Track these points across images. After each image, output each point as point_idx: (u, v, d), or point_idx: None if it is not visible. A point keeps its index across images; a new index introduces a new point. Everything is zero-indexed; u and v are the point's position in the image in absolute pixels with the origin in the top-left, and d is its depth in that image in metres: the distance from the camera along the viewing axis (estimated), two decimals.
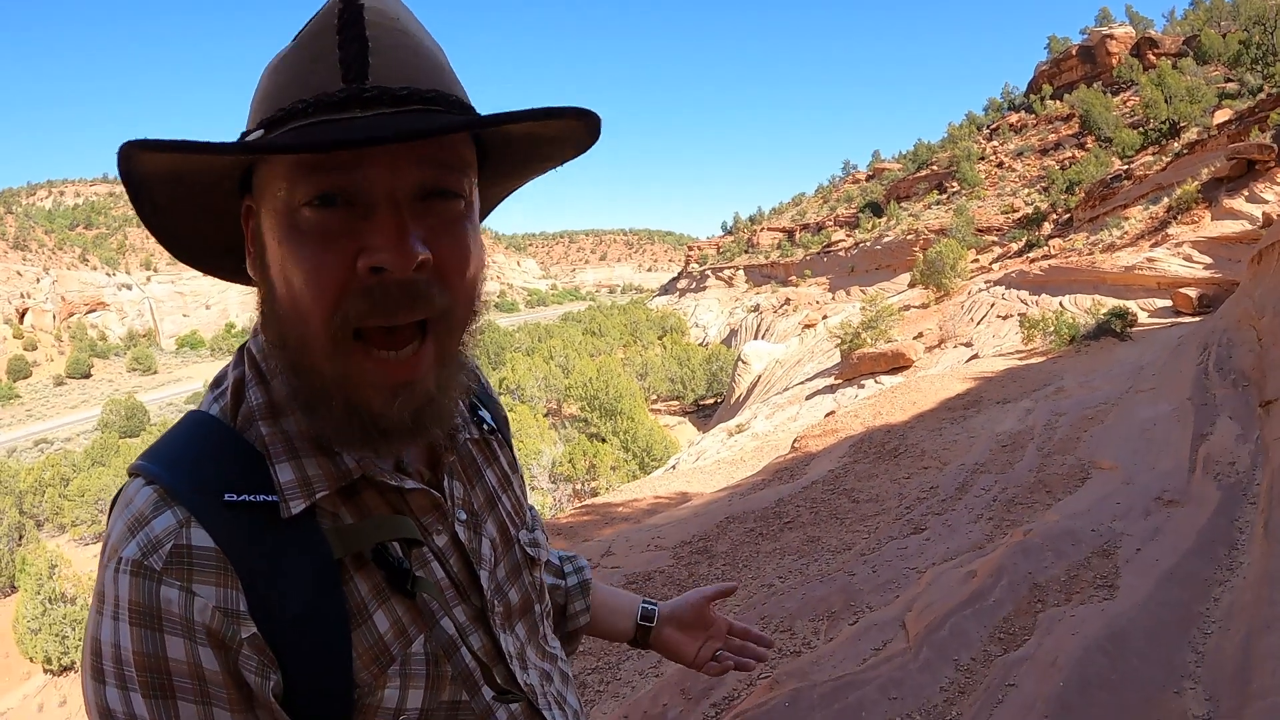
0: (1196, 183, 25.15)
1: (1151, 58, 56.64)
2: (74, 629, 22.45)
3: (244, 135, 0.74)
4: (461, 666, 0.84)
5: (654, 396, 49.42)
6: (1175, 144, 36.26)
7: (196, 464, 0.75)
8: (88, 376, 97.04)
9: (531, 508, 1.12)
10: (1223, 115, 34.55)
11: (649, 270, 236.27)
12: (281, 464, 0.77)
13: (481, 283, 0.80)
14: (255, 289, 0.80)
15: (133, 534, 0.70)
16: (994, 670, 3.72)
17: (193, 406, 0.87)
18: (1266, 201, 21.12)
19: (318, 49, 0.71)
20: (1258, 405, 6.21)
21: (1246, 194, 22.35)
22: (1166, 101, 41.04)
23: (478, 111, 0.77)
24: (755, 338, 50.22)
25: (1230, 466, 5.49)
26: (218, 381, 0.84)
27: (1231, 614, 3.81)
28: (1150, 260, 21.04)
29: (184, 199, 0.77)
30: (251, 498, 0.74)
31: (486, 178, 0.85)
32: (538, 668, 0.98)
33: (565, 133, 0.79)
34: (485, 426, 1.02)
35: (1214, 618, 3.84)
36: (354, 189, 0.70)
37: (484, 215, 0.92)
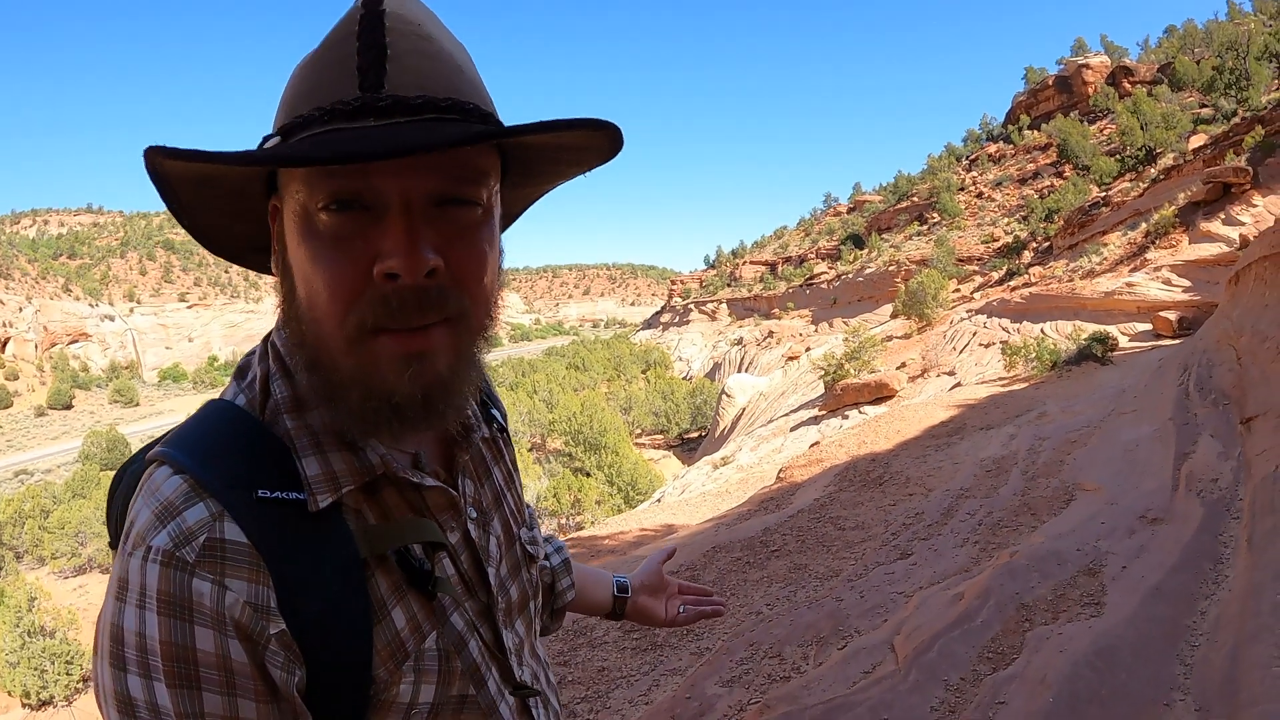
0: (1174, 207, 25.55)
1: (1127, 86, 57.62)
2: (53, 663, 22.00)
3: (263, 141, 0.75)
4: (470, 661, 0.86)
5: (638, 430, 49.33)
6: (1152, 170, 36.85)
7: (227, 457, 0.75)
8: (69, 408, 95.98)
9: (529, 506, 1.15)
10: (1198, 140, 35.13)
11: (632, 304, 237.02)
12: (308, 458, 0.78)
13: (499, 289, 0.81)
14: (279, 284, 0.80)
15: (162, 523, 0.70)
16: (983, 689, 3.72)
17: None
18: (1243, 224, 21.47)
19: (338, 55, 0.72)
20: (1239, 422, 6.27)
21: (1223, 217, 22.73)
22: (1142, 128, 41.68)
23: (498, 116, 0.78)
24: (739, 371, 50.27)
25: (1213, 483, 5.53)
26: (242, 372, 0.85)
27: (1218, 626, 3.82)
28: (1129, 285, 21.28)
29: (213, 199, 0.78)
30: (283, 495, 0.75)
31: (512, 183, 0.87)
32: (530, 668, 1.00)
33: (587, 142, 0.80)
34: (495, 425, 1.05)
35: (1201, 630, 3.85)
36: (368, 193, 0.70)
37: (514, 218, 0.97)
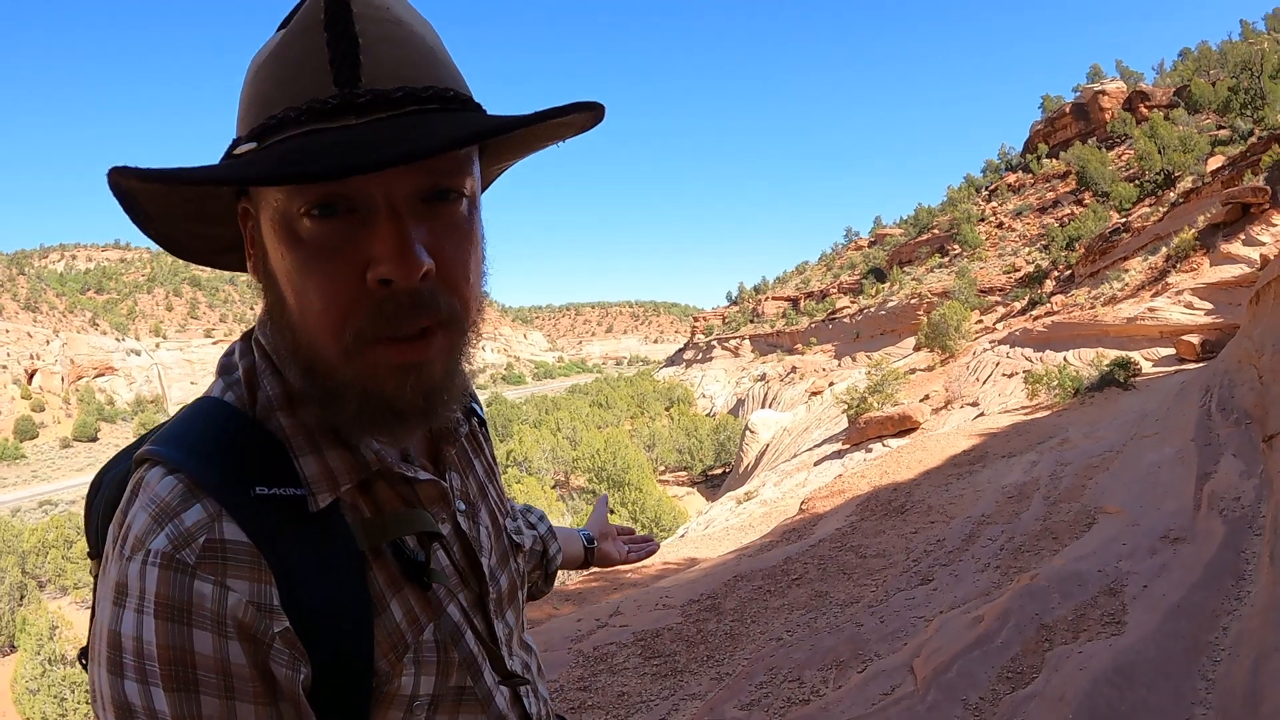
0: (1194, 230, 25.33)
1: (1144, 110, 57.58)
2: (73, 691, 22.17)
3: (234, 144, 0.72)
4: (466, 652, 0.86)
5: (662, 467, 49.27)
6: (1171, 194, 36.68)
7: (222, 454, 0.74)
8: (94, 440, 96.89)
9: (511, 499, 1.16)
10: (1216, 162, 34.94)
11: (655, 341, 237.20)
12: (305, 457, 0.77)
13: (484, 284, 0.80)
14: (260, 289, 0.79)
15: (160, 525, 0.68)
16: (1002, 708, 3.70)
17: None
18: (1263, 243, 21.22)
19: (304, 48, 0.69)
20: (1260, 441, 6.21)
21: (1243, 237, 22.50)
22: (1160, 152, 41.59)
23: (475, 99, 0.76)
24: (762, 406, 50.14)
25: (1235, 501, 5.49)
26: (226, 369, 0.83)
27: (1240, 641, 3.78)
28: (1151, 310, 21.13)
29: (178, 206, 0.76)
30: (281, 491, 0.74)
31: (486, 160, 0.85)
32: (520, 657, 1.01)
33: (567, 119, 0.76)
34: (476, 419, 1.05)
35: (1223, 646, 3.82)
36: (353, 195, 0.68)
37: (485, 187, 0.90)
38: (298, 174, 0.63)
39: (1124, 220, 37.94)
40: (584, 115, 0.75)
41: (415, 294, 0.70)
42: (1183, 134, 42.59)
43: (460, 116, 0.71)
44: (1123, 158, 53.86)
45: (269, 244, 0.73)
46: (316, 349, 0.72)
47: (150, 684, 0.65)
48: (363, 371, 0.72)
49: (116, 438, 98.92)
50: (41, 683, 22.37)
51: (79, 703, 21.76)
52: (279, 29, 0.72)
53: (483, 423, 1.08)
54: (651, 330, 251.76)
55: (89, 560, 0.88)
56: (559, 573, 1.66)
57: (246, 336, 0.84)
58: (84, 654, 0.78)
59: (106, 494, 0.87)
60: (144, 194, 0.70)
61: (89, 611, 0.76)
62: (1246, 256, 21.23)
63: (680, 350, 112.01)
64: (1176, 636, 3.98)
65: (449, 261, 0.72)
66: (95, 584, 0.75)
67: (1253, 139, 32.15)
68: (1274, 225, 22.04)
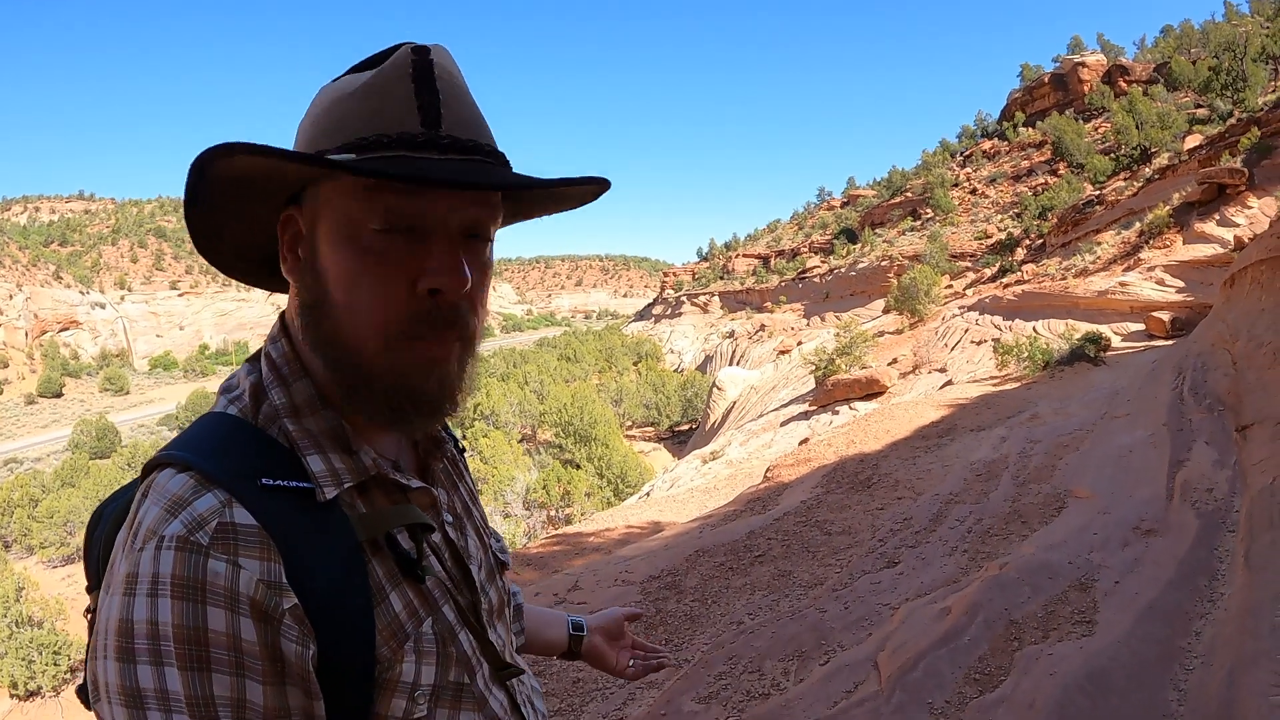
0: (1168, 207, 25.37)
1: (1123, 85, 57.42)
2: (41, 653, 21.78)
3: (322, 153, 0.80)
4: (461, 651, 0.90)
5: (629, 423, 49.19)
6: (1147, 169, 36.63)
7: (228, 453, 0.80)
8: (59, 396, 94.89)
9: (493, 530, 1.19)
10: (1193, 140, 34.85)
11: (625, 296, 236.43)
12: (311, 456, 0.83)
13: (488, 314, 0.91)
14: (298, 293, 0.87)
15: (174, 514, 0.73)
16: (969, 714, 3.57)
17: (165, 429, 0.96)
18: (1238, 225, 21.30)
19: (395, 92, 0.80)
20: (1234, 430, 6.13)
21: (1218, 218, 22.56)
22: (1138, 127, 41.45)
23: (509, 162, 0.88)
24: (730, 364, 50.05)
25: (1208, 494, 5.39)
26: (229, 387, 0.90)
27: (1214, 648, 3.67)
28: (1123, 285, 21.15)
29: (235, 201, 0.84)
30: (286, 483, 0.79)
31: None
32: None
33: (580, 192, 0.94)
34: (457, 446, 1.12)
35: (1196, 653, 3.71)
36: (419, 219, 0.80)
37: None
38: (419, 178, 0.76)
39: (1098, 193, 37.89)
40: (594, 188, 0.93)
41: (455, 306, 0.82)
42: (1161, 110, 42.43)
43: (508, 170, 0.86)
44: (1099, 130, 53.75)
45: (325, 246, 0.83)
46: (358, 340, 0.81)
47: (164, 665, 0.67)
48: (396, 363, 0.82)
49: (81, 393, 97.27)
50: (9, 645, 21.91)
51: (47, 664, 21.39)
52: (358, 69, 0.85)
53: (461, 451, 1.13)
54: (621, 284, 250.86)
55: (89, 594, 0.92)
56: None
57: (254, 358, 0.91)
58: (81, 691, 0.85)
59: (108, 525, 0.92)
60: (220, 180, 0.79)
61: (88, 613, 0.86)
62: (1220, 237, 21.30)
63: (649, 305, 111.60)
64: (1150, 640, 3.86)
65: (476, 288, 0.84)
66: (90, 622, 0.82)
67: (1232, 120, 32.00)
68: (1249, 208, 22.10)
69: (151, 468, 0.80)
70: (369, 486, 0.87)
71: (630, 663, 1.48)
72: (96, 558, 0.93)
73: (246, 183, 0.81)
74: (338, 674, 0.77)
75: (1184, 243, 22.72)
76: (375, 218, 0.79)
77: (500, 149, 0.86)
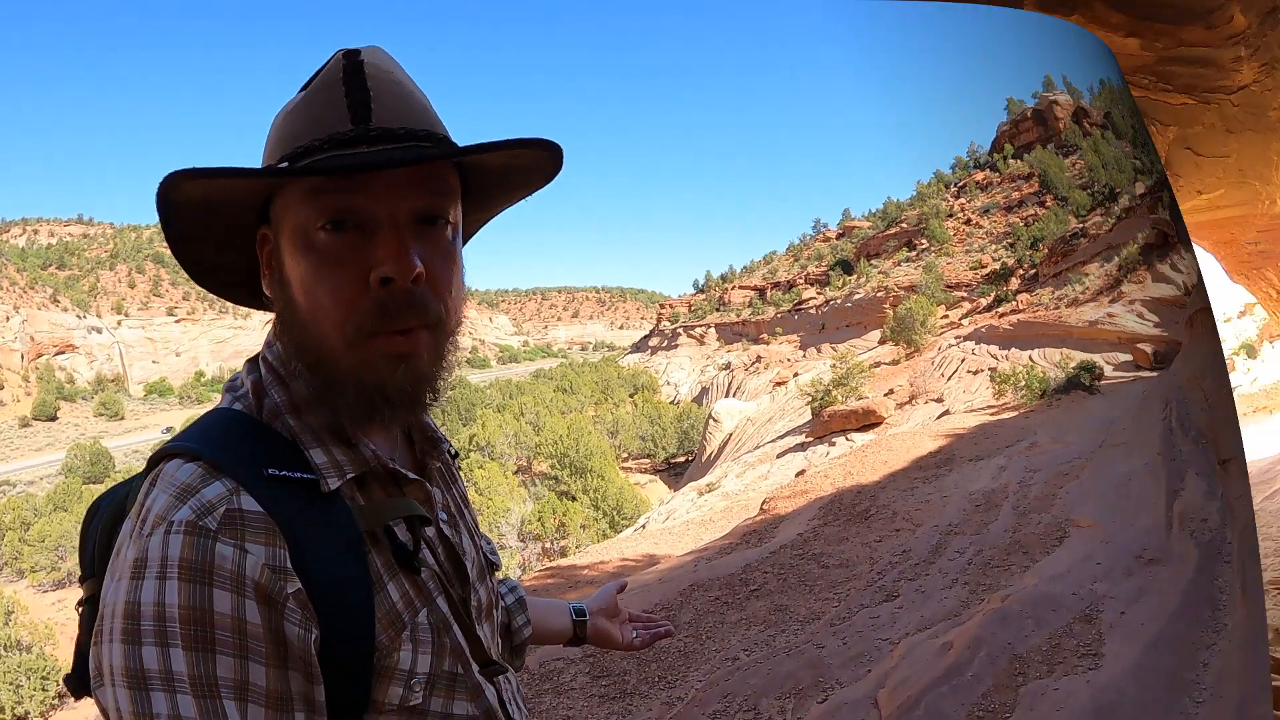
0: (1135, 246, 25.49)
1: (1087, 126, 57.92)
2: (29, 678, 21.61)
3: (267, 167, 0.87)
4: (455, 642, 0.92)
5: (625, 454, 49.03)
6: (1116, 206, 36.89)
7: (234, 444, 0.83)
8: (53, 419, 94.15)
9: (484, 534, 1.20)
10: (1141, 187, 35.13)
11: (621, 328, 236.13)
12: (313, 449, 0.86)
13: (464, 297, 0.93)
14: (273, 306, 0.91)
15: (183, 501, 0.75)
16: None
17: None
18: (1181, 272, 21.40)
19: (327, 98, 0.85)
20: (1217, 463, 6.07)
21: (1170, 261, 22.65)
22: (1104, 168, 41.82)
23: (454, 144, 0.91)
24: (726, 395, 49.99)
25: (1204, 523, 5.33)
26: (233, 386, 0.94)
27: (1222, 680, 3.60)
28: (1110, 315, 21.18)
29: (211, 228, 0.89)
30: (290, 474, 0.82)
31: (469, 205, 0.98)
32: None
33: (535, 163, 0.96)
34: (451, 451, 1.13)
35: (1204, 684, 3.63)
36: (362, 212, 0.82)
37: (467, 239, 1.04)
38: (323, 169, 0.81)
39: (1081, 225, 38.16)
40: (546, 158, 0.94)
41: (409, 294, 0.83)
42: (1116, 153, 42.85)
43: (443, 146, 0.88)
44: (1077, 166, 54.22)
45: (286, 256, 0.86)
46: (322, 342, 0.84)
47: (170, 645, 0.69)
48: (361, 360, 0.84)
49: (76, 417, 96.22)
50: None
51: (35, 690, 21.17)
52: (302, 89, 0.89)
53: (455, 455, 1.14)
54: (618, 316, 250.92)
55: (81, 585, 0.95)
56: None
57: (253, 360, 0.95)
58: (69, 679, 0.90)
59: (105, 516, 0.96)
60: (185, 208, 0.85)
61: (74, 611, 0.91)
62: (1175, 279, 21.36)
63: (646, 337, 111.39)
64: (1157, 672, 3.78)
65: (436, 272, 0.86)
66: (82, 614, 0.89)
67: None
68: (1185, 256, 22.15)
69: (159, 458, 0.83)
70: (367, 480, 0.91)
71: (635, 635, 1.53)
72: (92, 547, 0.95)
73: (209, 207, 0.85)
74: (338, 659, 0.78)
75: (1152, 280, 22.79)
76: (322, 217, 0.82)
77: (439, 131, 0.89)
